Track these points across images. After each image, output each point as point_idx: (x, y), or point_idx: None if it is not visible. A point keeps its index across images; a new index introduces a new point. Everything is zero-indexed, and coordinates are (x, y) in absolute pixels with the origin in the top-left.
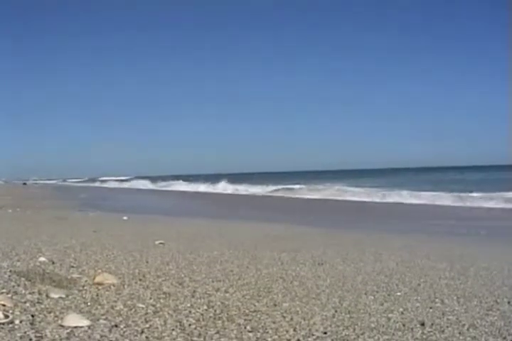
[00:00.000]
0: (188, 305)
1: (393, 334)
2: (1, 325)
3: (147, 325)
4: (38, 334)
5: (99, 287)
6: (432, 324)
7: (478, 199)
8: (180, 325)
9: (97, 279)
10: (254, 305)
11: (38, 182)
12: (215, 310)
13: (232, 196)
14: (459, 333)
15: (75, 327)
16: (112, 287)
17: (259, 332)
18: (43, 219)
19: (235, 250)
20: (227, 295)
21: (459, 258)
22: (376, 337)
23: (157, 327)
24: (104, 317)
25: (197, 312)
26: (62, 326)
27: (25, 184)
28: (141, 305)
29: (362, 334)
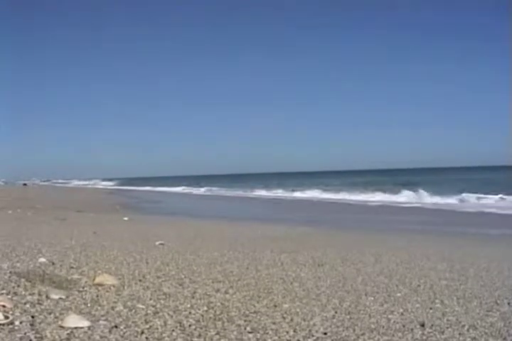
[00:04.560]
0: (188, 305)
1: (393, 335)
2: (1, 326)
3: (147, 326)
4: (38, 335)
5: (99, 288)
6: (432, 325)
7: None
8: (181, 326)
9: (97, 280)
10: (254, 306)
11: (38, 183)
12: (215, 311)
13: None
14: (459, 334)
15: (75, 328)
16: (111, 288)
17: (259, 333)
18: (43, 220)
19: (235, 251)
20: (227, 296)
21: (458, 259)
22: (376, 338)
23: (157, 328)
24: (104, 318)
25: (197, 313)
26: (62, 327)
27: (25, 185)
28: (141, 306)
29: (362, 335)
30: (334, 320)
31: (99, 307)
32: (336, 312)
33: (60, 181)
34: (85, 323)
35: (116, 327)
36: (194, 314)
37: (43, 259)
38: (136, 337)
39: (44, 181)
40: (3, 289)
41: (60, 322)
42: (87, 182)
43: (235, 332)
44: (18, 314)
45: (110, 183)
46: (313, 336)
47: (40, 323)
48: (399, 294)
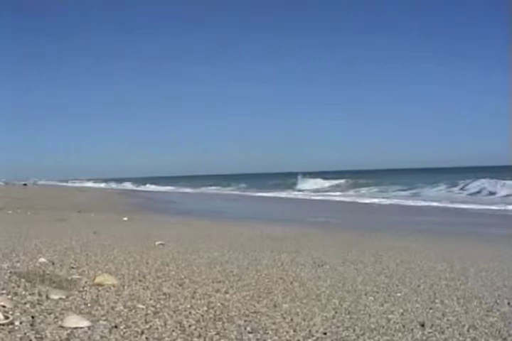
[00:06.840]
0: (188, 306)
1: (393, 335)
2: (1, 326)
3: (147, 326)
4: (38, 335)
5: (99, 288)
6: (432, 325)
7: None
8: (181, 326)
9: (97, 280)
10: (254, 306)
11: (38, 183)
12: (215, 311)
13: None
14: (459, 334)
15: (75, 328)
16: (112, 288)
17: (259, 333)
18: (43, 220)
19: (235, 251)
20: (227, 296)
21: (459, 259)
22: (376, 338)
23: (157, 328)
24: (104, 318)
25: (197, 313)
26: (62, 327)
27: (25, 185)
28: (141, 306)
29: (362, 335)
30: (334, 320)
31: (99, 307)
32: (335, 312)
33: (60, 181)
34: (85, 323)
35: (116, 327)
36: (194, 314)
37: (43, 259)
38: (136, 337)
39: (44, 181)
40: (3, 289)
41: (60, 322)
42: (87, 183)
43: (235, 332)
44: (18, 314)
45: (110, 184)
46: (313, 336)
47: (40, 323)
48: (399, 294)
